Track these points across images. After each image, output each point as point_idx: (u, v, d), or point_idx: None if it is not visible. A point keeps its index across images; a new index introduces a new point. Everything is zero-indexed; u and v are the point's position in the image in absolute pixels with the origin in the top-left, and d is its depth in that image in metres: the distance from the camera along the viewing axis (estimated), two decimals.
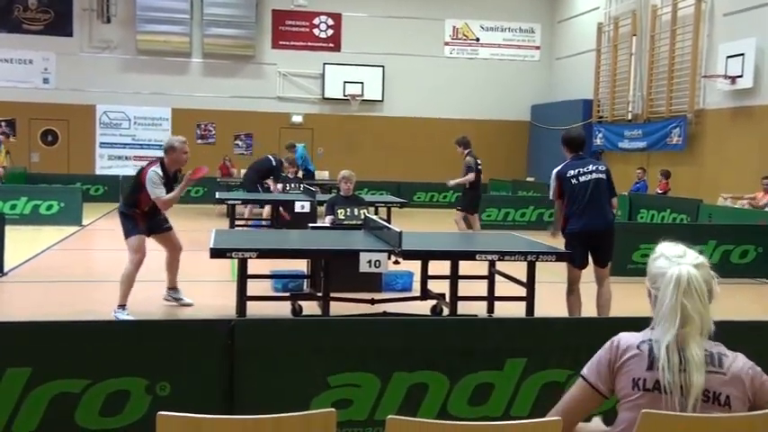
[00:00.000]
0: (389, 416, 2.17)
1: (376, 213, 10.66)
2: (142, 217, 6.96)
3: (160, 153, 7.23)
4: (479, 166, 11.12)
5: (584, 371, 2.35)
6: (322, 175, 19.94)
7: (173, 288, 7.38)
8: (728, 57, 14.65)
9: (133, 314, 6.61)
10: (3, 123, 20.16)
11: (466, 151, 11.12)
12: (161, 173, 6.87)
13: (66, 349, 3.40)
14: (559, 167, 6.62)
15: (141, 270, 6.85)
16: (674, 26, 16.76)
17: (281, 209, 10.37)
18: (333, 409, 2.21)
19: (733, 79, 14.53)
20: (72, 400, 3.37)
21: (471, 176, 10.96)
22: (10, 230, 9.18)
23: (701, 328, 2.19)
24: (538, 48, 23.15)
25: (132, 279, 6.76)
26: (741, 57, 14.31)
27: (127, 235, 6.92)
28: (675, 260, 2.27)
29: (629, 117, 18.51)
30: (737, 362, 2.21)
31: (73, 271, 9.60)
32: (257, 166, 14.77)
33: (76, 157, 21.12)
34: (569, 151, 6.68)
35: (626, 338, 2.31)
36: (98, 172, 20.96)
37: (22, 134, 20.76)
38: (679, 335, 2.17)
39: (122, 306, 6.70)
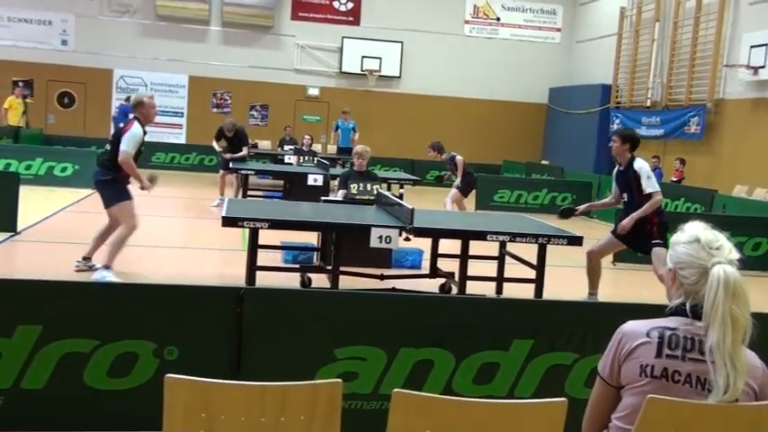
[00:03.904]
0: (395, 389, 2.18)
1: (389, 190, 10.66)
2: (126, 181, 6.74)
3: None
4: (457, 157, 11.45)
5: (599, 366, 2.34)
6: (332, 149, 19.88)
7: (89, 258, 7.04)
8: (752, 46, 14.45)
9: (142, 279, 6.65)
10: (20, 83, 20.20)
11: (441, 155, 11.55)
12: (142, 132, 6.70)
13: (77, 309, 3.43)
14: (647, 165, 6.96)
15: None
16: (699, 13, 16.54)
17: None
18: (339, 380, 2.22)
19: (755, 70, 14.34)
20: (81, 359, 3.41)
21: (461, 159, 11.42)
22: (24, 190, 9.24)
23: (746, 333, 2.16)
24: (558, 30, 22.91)
25: (124, 244, 6.62)
26: (765, 47, 14.11)
27: (116, 200, 6.65)
28: (713, 253, 2.20)
29: (648, 104, 18.34)
30: (748, 357, 2.20)
31: (85, 233, 9.61)
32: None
33: (92, 120, 21.15)
34: (633, 149, 6.89)
35: (631, 328, 2.28)
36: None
37: (39, 95, 20.79)
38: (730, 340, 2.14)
39: (108, 267, 6.60)
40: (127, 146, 6.58)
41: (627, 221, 6.69)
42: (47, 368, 3.38)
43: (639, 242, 6.82)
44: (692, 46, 16.67)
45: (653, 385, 2.18)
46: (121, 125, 6.89)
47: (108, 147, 6.85)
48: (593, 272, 6.97)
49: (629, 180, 6.79)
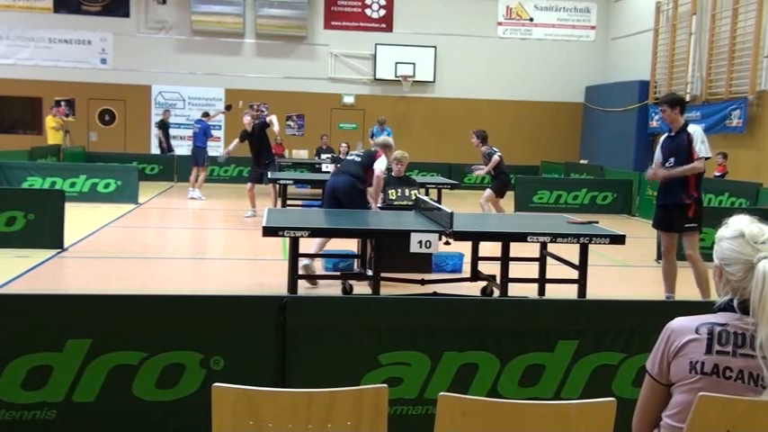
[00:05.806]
0: (441, 393, 2.18)
1: (426, 194, 10.65)
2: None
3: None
4: (499, 154, 11.50)
5: (647, 364, 2.31)
6: None
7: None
8: None
9: (183, 290, 6.74)
10: (63, 103, 20.67)
11: (482, 145, 11.62)
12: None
13: (125, 322, 3.49)
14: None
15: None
16: (737, 4, 16.21)
17: None
18: (385, 385, 2.22)
19: None
20: (130, 371, 3.46)
21: (496, 159, 11.38)
22: (69, 207, 9.44)
23: None
24: (593, 28, 22.67)
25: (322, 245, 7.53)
26: None
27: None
28: (759, 247, 2.15)
29: (688, 98, 18.00)
30: None
31: (129, 247, 9.83)
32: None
33: (133, 136, 21.55)
34: (683, 112, 6.62)
35: (680, 325, 2.24)
36: (153, 151, 21.32)
37: (80, 114, 21.24)
38: None
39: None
40: (382, 165, 7.74)
41: (662, 172, 6.48)
42: (97, 381, 3.44)
43: (675, 219, 6.58)
44: (731, 38, 16.35)
45: (704, 382, 2.14)
46: (371, 151, 8.02)
47: (359, 160, 7.85)
48: (669, 272, 6.80)
49: (680, 144, 6.49)
